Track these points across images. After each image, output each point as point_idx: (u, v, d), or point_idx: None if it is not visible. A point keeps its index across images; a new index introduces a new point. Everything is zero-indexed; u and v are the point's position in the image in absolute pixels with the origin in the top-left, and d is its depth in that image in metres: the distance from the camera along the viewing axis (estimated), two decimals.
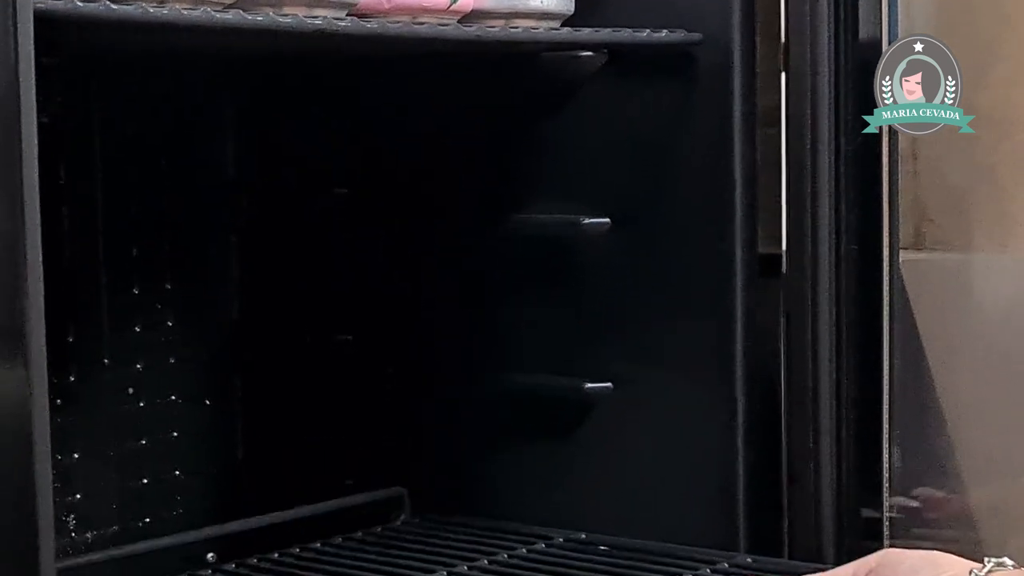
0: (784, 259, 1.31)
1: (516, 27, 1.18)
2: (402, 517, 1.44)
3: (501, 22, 1.17)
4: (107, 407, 1.43)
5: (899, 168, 1.31)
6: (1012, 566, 1.00)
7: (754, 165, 1.29)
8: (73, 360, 1.39)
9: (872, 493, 1.31)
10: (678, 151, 1.30)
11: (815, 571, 1.06)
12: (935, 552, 1.05)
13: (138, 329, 1.46)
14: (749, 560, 1.28)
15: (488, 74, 1.35)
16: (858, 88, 1.25)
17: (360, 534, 1.41)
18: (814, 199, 1.28)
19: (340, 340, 1.49)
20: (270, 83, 1.49)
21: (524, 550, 1.32)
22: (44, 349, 0.85)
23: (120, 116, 1.44)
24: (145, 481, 1.45)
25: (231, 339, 1.52)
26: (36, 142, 0.85)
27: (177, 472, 1.47)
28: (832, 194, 1.28)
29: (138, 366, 1.46)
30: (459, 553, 1.32)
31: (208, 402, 1.50)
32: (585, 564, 1.29)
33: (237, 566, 1.33)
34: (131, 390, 1.45)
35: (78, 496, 1.39)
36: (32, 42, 0.84)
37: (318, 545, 1.38)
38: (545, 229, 1.36)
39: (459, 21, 1.15)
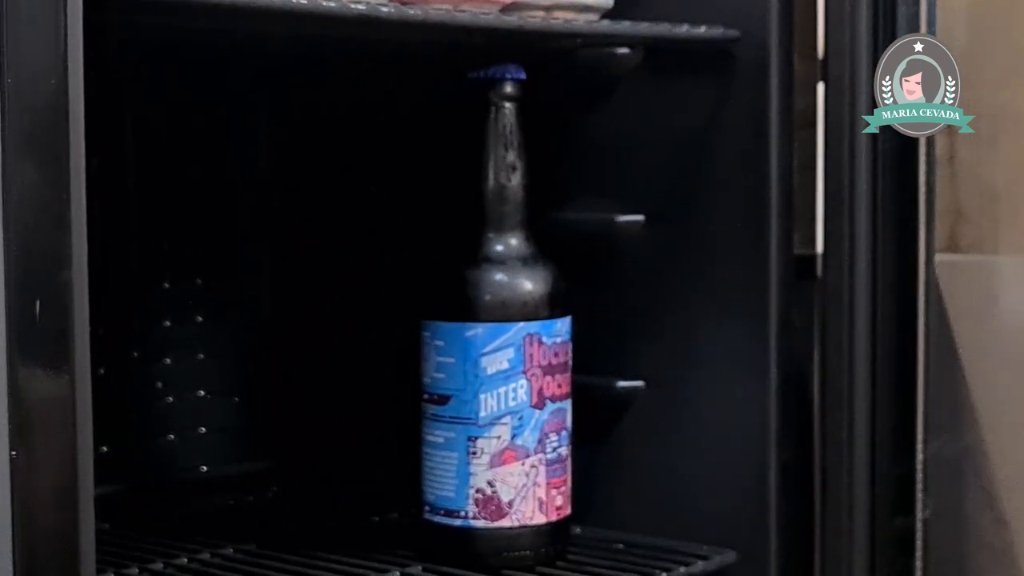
0: (820, 261, 1.31)
1: (556, 19, 1.17)
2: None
3: (541, 13, 1.16)
4: (136, 401, 1.43)
5: (936, 170, 1.30)
6: None
7: (790, 164, 1.28)
8: (102, 354, 1.38)
9: (906, 497, 1.30)
10: (714, 149, 1.29)
11: None
12: None
13: (168, 324, 1.45)
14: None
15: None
16: None
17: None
18: (851, 201, 1.27)
19: (372, 339, 1.48)
20: (305, 82, 1.48)
21: None
22: (88, 348, 0.85)
23: (154, 112, 1.44)
24: None
25: (261, 335, 1.51)
26: (83, 139, 0.84)
27: (204, 468, 1.47)
28: (869, 196, 1.27)
29: (167, 361, 1.45)
30: None
31: (237, 398, 1.50)
32: None
33: None
34: (160, 384, 1.45)
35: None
36: (81, 25, 0.83)
37: None
38: (580, 227, 1.35)
39: (500, 12, 1.14)
